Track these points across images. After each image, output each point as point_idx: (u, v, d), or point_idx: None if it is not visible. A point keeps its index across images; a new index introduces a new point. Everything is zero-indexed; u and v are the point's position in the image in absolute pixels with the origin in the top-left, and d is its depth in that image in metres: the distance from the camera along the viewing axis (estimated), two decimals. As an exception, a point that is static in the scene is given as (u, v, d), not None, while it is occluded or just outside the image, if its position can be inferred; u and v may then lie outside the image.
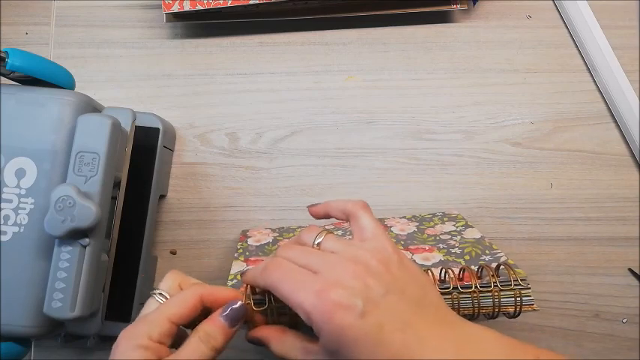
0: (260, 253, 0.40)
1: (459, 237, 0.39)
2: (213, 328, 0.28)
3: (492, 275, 0.31)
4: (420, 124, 0.49)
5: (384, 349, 0.24)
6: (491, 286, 0.31)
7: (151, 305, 0.30)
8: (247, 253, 0.41)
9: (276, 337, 0.29)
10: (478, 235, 0.39)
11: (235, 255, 0.41)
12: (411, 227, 0.42)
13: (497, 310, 0.31)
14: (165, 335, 0.27)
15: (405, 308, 0.26)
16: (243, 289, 0.32)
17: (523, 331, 0.45)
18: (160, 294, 0.30)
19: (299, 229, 0.45)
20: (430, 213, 0.45)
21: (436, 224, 0.42)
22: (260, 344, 0.30)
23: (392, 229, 0.42)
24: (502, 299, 0.31)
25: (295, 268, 0.27)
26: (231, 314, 0.29)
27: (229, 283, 0.36)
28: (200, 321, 0.29)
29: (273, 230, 0.45)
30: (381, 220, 0.44)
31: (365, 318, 0.24)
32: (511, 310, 0.31)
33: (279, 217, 0.47)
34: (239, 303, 0.29)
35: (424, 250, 0.37)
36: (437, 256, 0.36)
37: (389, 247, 0.28)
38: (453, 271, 0.32)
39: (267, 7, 0.48)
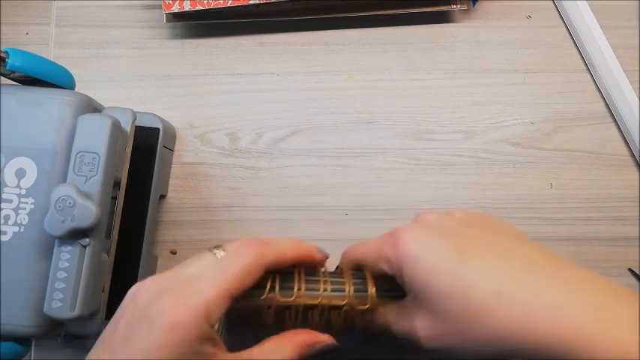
0: None
1: None
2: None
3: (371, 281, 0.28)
4: (420, 124, 0.49)
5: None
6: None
7: (203, 265, 0.23)
8: None
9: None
10: None
11: None
12: None
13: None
14: (219, 313, 0.21)
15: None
16: (323, 257, 0.28)
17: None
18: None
19: None
20: None
21: None
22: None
23: None
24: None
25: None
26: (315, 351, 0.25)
27: None
28: None
29: None
30: None
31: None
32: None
33: (279, 217, 0.47)
34: (330, 343, 0.26)
35: None
36: None
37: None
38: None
39: (267, 7, 0.48)
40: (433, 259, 0.23)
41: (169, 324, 0.20)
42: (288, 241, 0.26)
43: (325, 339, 0.26)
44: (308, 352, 0.25)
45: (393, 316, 0.26)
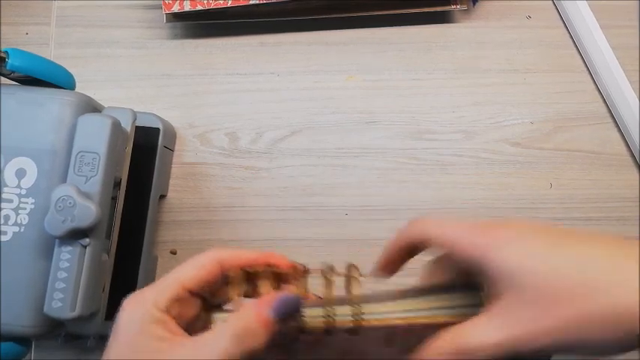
0: None
1: None
2: (254, 323, 0.23)
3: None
4: (420, 124, 0.49)
5: None
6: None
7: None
8: None
9: None
10: None
11: None
12: None
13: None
14: (175, 302, 0.23)
15: None
16: (291, 264, 0.27)
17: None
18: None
19: None
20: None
21: None
22: None
23: None
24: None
25: None
26: (283, 307, 0.23)
27: None
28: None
29: None
30: None
31: None
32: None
33: (279, 217, 0.47)
34: (294, 295, 0.24)
35: None
36: None
37: None
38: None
39: (267, 7, 0.48)
40: (531, 245, 0.22)
41: (121, 309, 0.24)
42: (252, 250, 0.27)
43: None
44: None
45: (475, 330, 0.23)
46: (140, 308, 0.23)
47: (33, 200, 0.35)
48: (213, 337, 0.22)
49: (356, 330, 0.26)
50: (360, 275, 0.27)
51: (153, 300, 0.23)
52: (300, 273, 0.27)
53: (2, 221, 0.34)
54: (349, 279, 0.27)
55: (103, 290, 0.38)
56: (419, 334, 0.25)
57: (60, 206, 0.32)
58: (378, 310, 0.26)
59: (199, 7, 0.46)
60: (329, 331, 0.26)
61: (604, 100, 0.49)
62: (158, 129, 0.45)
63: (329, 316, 0.26)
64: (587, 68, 0.50)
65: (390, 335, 0.28)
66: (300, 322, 0.26)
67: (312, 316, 0.26)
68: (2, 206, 0.34)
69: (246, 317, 0.23)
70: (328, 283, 0.27)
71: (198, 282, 0.24)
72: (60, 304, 0.33)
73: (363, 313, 0.26)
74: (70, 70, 0.39)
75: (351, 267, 0.28)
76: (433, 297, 0.27)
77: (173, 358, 0.22)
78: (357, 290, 0.27)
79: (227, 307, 0.27)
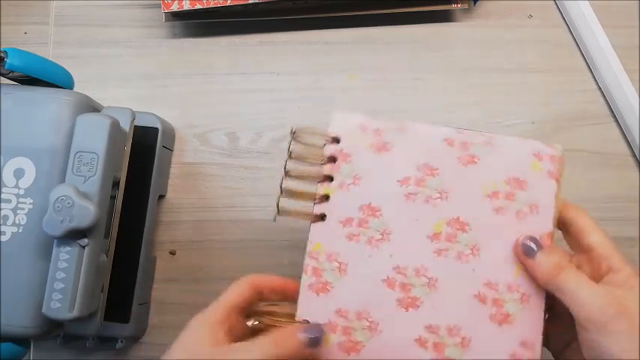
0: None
1: None
2: (290, 338, 0.29)
3: None
4: (421, 124, 0.49)
5: None
6: None
7: None
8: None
9: None
10: None
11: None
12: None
13: None
14: (225, 318, 0.30)
15: None
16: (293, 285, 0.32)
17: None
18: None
19: None
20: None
21: None
22: None
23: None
24: None
25: None
26: (313, 334, 0.29)
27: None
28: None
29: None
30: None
31: None
32: None
33: (279, 217, 0.47)
34: (320, 324, 0.30)
35: None
36: None
37: None
38: None
39: (266, 6, 0.48)
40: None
41: (187, 324, 0.30)
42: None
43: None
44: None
45: None
46: (200, 322, 0.29)
47: (31, 200, 0.34)
48: (258, 342, 0.28)
49: None
50: None
51: (209, 316, 0.30)
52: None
53: (1, 222, 0.34)
54: None
55: (102, 290, 0.38)
56: None
57: (58, 206, 0.32)
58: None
59: (198, 6, 0.46)
60: None
61: (605, 99, 0.49)
62: (157, 129, 0.45)
63: None
64: (589, 68, 0.50)
65: None
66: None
67: None
68: (1, 206, 0.34)
69: (286, 333, 0.29)
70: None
71: (237, 303, 0.30)
72: (58, 304, 0.33)
73: None
74: (68, 70, 0.39)
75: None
76: None
77: (227, 358, 0.27)
78: None
79: (260, 319, 0.32)
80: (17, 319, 0.34)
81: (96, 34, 0.51)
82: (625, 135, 0.48)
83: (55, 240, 0.33)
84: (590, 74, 0.50)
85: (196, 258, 0.46)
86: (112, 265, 0.39)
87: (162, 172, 0.46)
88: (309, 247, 0.32)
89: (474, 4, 0.50)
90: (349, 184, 0.31)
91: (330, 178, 0.32)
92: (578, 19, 0.49)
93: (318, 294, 0.31)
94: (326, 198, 0.32)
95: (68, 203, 0.32)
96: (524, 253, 0.29)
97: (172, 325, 0.45)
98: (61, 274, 0.33)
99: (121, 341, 0.42)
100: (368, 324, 0.30)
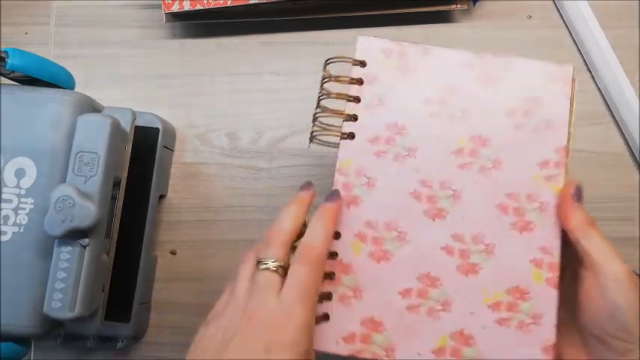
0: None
1: None
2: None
3: None
4: (420, 124, 0.49)
5: None
6: None
7: None
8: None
9: None
10: None
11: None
12: None
13: None
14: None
15: None
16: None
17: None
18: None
19: None
20: None
21: None
22: None
23: None
24: None
25: None
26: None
27: None
28: None
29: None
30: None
31: None
32: None
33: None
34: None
35: None
36: None
37: None
38: None
39: (267, 6, 0.48)
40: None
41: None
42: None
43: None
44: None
45: None
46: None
47: (32, 200, 0.35)
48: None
49: None
50: None
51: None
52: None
53: (2, 221, 0.34)
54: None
55: (103, 290, 0.38)
56: None
57: (59, 206, 0.32)
58: None
59: (199, 7, 0.46)
60: None
61: (604, 99, 0.49)
62: (158, 129, 0.45)
63: None
64: (588, 68, 0.50)
65: None
66: None
67: None
68: (2, 206, 0.34)
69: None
70: None
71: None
72: (59, 304, 0.33)
73: None
74: (69, 70, 0.39)
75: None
76: None
77: None
78: None
79: None
80: (18, 318, 0.34)
81: (97, 34, 0.51)
82: (624, 135, 0.48)
83: (56, 240, 0.33)
84: (589, 74, 0.50)
85: (197, 258, 0.47)
86: (112, 265, 0.39)
87: (162, 172, 0.46)
88: (338, 165, 0.33)
89: (474, 4, 0.50)
90: (376, 105, 0.33)
91: (357, 99, 0.33)
92: (578, 20, 0.49)
93: (348, 207, 0.32)
94: (354, 118, 0.33)
95: (69, 203, 0.32)
96: (576, 195, 0.31)
97: (173, 324, 0.45)
98: (61, 274, 0.33)
99: (122, 341, 0.42)
100: (397, 234, 0.32)
